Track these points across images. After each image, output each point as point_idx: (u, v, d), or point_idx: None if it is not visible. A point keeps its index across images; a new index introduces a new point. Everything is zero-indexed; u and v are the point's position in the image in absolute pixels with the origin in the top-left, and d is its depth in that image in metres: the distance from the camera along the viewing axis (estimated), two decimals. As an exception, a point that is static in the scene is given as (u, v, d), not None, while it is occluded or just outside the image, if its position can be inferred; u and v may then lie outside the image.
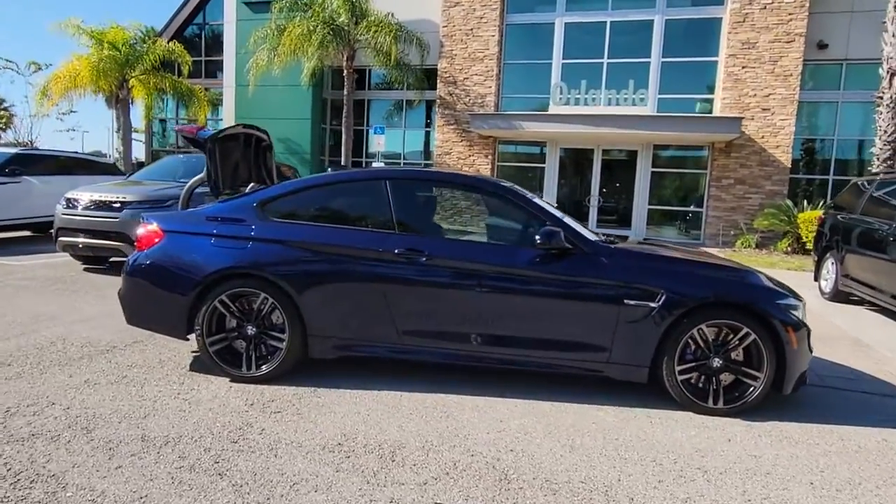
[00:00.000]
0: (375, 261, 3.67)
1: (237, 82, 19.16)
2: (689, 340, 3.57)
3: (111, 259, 8.11)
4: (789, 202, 14.26)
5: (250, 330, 3.75)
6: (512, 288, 3.61)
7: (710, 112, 16.17)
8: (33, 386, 3.56)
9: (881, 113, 13.24)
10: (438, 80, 17.27)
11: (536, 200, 3.87)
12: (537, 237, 3.53)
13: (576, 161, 17.37)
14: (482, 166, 17.51)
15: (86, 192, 7.53)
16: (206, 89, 20.88)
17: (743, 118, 14.84)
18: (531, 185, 17.49)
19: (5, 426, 3.00)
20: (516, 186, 3.95)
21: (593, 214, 16.52)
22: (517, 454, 2.95)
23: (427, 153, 19.08)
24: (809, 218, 12.49)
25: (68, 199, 7.54)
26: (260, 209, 3.86)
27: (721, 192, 15.74)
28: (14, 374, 3.73)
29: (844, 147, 16.26)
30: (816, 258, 8.66)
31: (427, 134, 19.66)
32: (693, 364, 3.59)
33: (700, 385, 3.62)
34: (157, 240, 3.83)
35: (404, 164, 18.17)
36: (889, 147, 13.16)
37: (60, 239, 7.46)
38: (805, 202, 14.46)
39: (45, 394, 3.44)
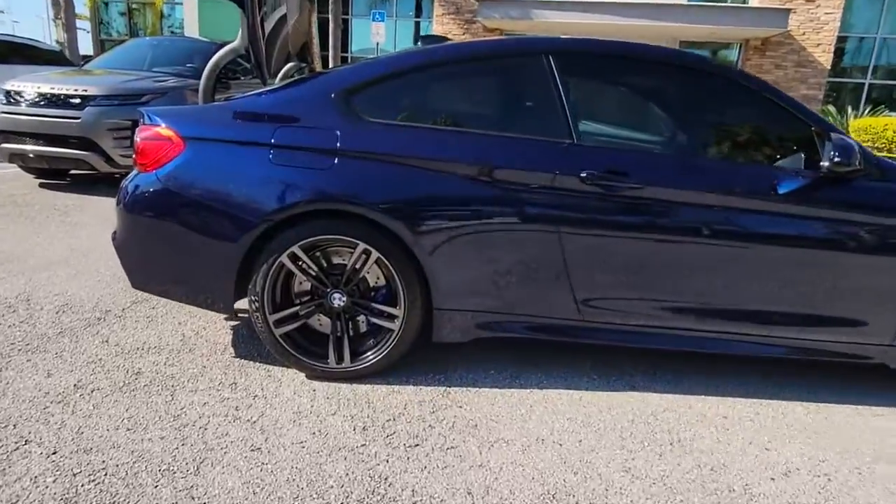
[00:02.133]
0: (548, 190, 2.24)
1: (198, -44, 16.24)
2: None
3: (72, 172, 6.37)
4: (833, 108, 12.99)
5: (338, 300, 2.35)
6: (768, 233, 2.26)
7: (745, 3, 14.41)
8: (-13, 400, 2.14)
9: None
10: (439, -41, 14.85)
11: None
12: (833, 154, 2.15)
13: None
14: (487, 64, 15.52)
15: (32, 83, 5.66)
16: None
17: (791, 10, 13.17)
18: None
19: (-58, 507, 1.62)
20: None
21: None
22: (858, 529, 1.74)
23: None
24: (864, 126, 11.29)
25: (9, 93, 5.67)
26: (343, 103, 2.32)
27: (752, 96, 14.32)
28: (-48, 375, 2.29)
29: (890, 48, 14.85)
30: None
31: (418, 25, 17.35)
32: None
33: None
34: (174, 153, 2.29)
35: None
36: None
37: (4, 146, 5.66)
38: (850, 108, 13.20)
39: (10, 418, 2.03)
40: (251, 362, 2.52)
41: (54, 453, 1.86)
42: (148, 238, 2.37)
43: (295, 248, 2.26)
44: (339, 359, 2.36)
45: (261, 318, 2.32)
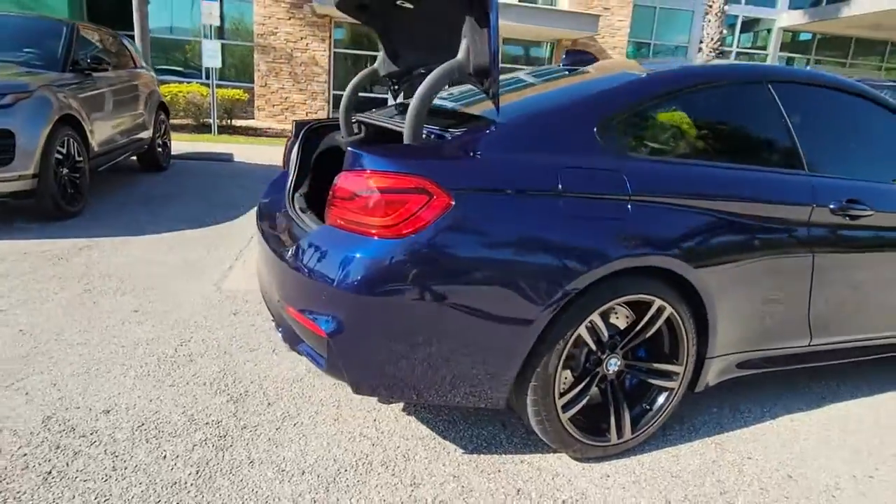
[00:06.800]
0: (799, 224, 2.22)
1: None
2: None
3: None
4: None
5: (613, 365, 2.03)
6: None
7: (553, 5, 15.94)
8: None
9: (710, 21, 14.53)
10: (257, -66, 13.46)
11: None
12: None
13: (424, 52, 15.68)
14: (317, 52, 14.70)
15: None
16: None
17: (600, 16, 14.89)
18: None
19: None
20: None
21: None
22: None
23: (240, 33, 15.17)
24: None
25: None
26: (602, 136, 1.97)
27: (567, 91, 15.95)
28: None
29: (661, 51, 17.77)
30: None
31: (239, 8, 15.52)
32: None
33: None
34: (436, 211, 1.70)
35: (204, 44, 13.97)
36: (714, 53, 14.67)
37: None
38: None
39: None
40: (496, 454, 2.05)
41: None
42: (394, 329, 1.74)
43: (594, 316, 1.89)
44: (620, 432, 2.05)
45: (545, 407, 1.90)
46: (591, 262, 1.80)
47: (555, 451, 2.08)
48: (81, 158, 4.83)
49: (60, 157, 4.52)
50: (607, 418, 2.04)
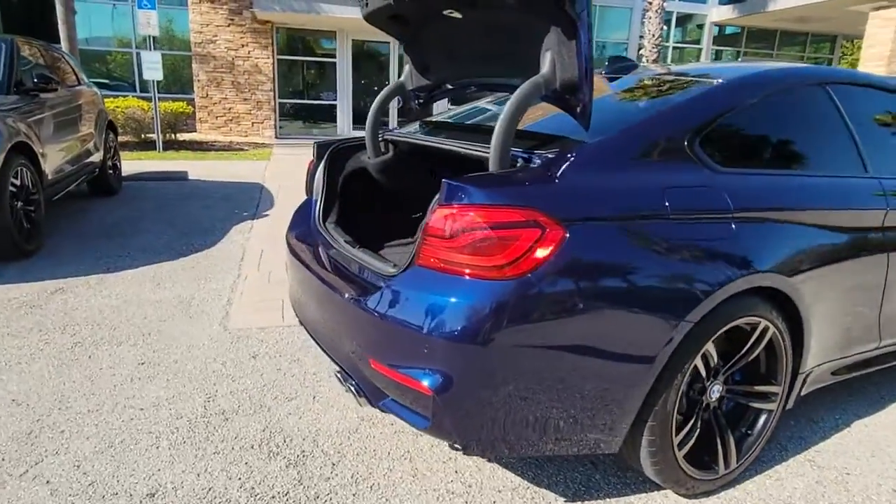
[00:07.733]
0: (876, 228, 2.17)
1: None
2: None
3: None
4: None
5: (716, 392, 1.91)
6: None
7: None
8: None
9: (650, 18, 14.95)
10: (190, -63, 12.77)
11: None
12: None
13: (371, 55, 15.43)
14: (261, 59, 14.13)
15: None
16: None
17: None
18: (324, 82, 15.00)
19: None
20: None
21: (394, 115, 15.08)
22: None
23: (172, 41, 14.37)
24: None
25: None
26: (692, 149, 1.83)
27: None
28: None
29: (603, 50, 18.14)
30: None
31: (167, 14, 14.69)
32: None
33: None
34: (549, 245, 1.52)
35: (140, 54, 13.05)
36: (657, 49, 15.11)
37: None
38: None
39: None
40: (599, 499, 1.88)
41: None
42: (510, 381, 1.54)
43: (709, 345, 1.75)
44: (727, 462, 1.93)
45: (662, 446, 1.75)
46: (710, 287, 1.67)
47: (658, 489, 1.94)
48: (36, 189, 4.34)
49: (14, 189, 4.03)
50: (710, 449, 1.91)
